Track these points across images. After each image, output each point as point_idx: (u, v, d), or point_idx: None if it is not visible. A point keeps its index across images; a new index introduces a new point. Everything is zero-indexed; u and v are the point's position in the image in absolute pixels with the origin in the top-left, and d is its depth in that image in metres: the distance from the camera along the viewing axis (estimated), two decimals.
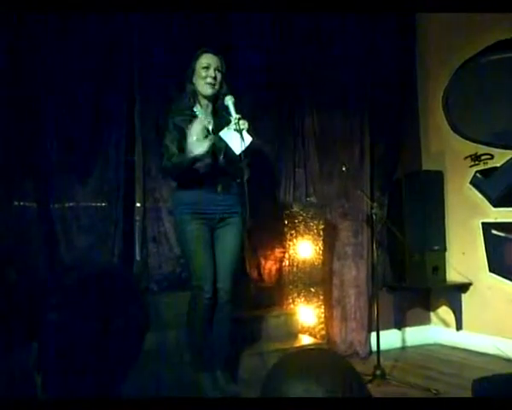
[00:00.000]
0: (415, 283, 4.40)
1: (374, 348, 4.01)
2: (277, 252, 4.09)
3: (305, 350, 1.08)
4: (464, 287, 4.37)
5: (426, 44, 4.74)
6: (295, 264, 3.99)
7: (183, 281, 3.66)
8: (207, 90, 2.89)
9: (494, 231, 4.16)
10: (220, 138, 2.79)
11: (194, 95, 2.93)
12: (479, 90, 4.13)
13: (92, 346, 1.07)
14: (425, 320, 4.69)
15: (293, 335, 3.82)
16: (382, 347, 3.69)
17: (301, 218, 3.97)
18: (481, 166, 4.24)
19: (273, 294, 4.03)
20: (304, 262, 3.97)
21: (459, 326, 4.41)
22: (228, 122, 2.78)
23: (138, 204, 3.67)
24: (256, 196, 2.93)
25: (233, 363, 3.12)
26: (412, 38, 4.76)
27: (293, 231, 3.99)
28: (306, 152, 4.26)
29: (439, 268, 4.40)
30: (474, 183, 4.30)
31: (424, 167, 4.73)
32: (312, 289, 3.95)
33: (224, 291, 2.93)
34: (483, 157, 4.21)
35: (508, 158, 4.02)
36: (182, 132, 2.80)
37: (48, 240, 3.34)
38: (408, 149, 4.70)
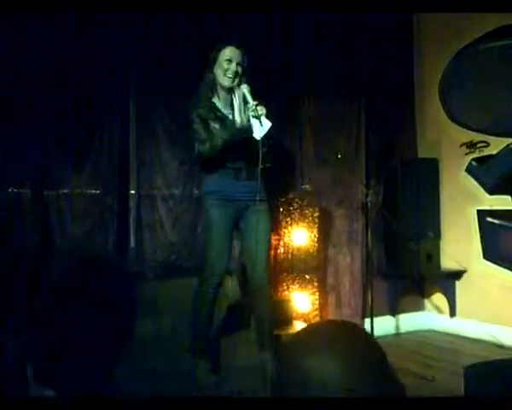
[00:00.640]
0: (409, 270, 4.41)
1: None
2: (272, 239, 4.08)
3: (320, 324, 1.07)
4: (458, 274, 4.39)
5: (422, 32, 4.71)
6: (290, 251, 4.00)
7: (178, 268, 3.68)
8: (227, 83, 2.93)
9: (489, 219, 4.17)
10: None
11: (213, 85, 2.97)
12: (476, 77, 4.10)
13: (83, 333, 1.06)
14: (419, 307, 4.72)
15: (288, 321, 3.85)
16: (376, 333, 3.72)
17: (296, 205, 3.97)
18: (477, 154, 4.24)
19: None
20: (299, 249, 3.98)
21: (453, 313, 4.44)
22: (246, 110, 2.85)
23: (133, 191, 3.65)
24: None
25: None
26: (408, 25, 4.74)
27: (288, 219, 3.99)
28: (301, 139, 4.24)
29: (433, 256, 4.41)
30: (470, 170, 4.28)
31: (420, 155, 4.72)
32: (307, 276, 3.96)
33: (259, 276, 2.99)
34: (479, 145, 4.21)
35: (503, 145, 4.01)
36: (205, 122, 2.87)
37: (41, 227, 3.33)
38: (404, 136, 4.69)
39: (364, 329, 0.95)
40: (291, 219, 3.98)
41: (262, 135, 2.77)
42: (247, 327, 3.45)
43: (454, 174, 4.39)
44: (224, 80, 2.93)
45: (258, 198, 2.90)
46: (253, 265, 2.99)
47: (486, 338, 4.04)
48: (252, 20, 3.96)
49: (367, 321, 4.13)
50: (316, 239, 3.98)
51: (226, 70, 2.91)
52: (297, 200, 3.98)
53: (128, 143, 3.65)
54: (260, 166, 2.81)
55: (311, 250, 3.97)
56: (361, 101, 4.42)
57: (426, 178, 4.44)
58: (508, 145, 3.97)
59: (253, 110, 2.78)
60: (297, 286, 3.97)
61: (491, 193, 4.12)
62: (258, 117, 2.76)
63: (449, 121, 4.40)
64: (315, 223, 3.97)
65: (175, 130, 3.69)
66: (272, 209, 3.10)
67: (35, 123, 3.36)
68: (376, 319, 3.78)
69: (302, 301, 3.96)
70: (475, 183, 4.24)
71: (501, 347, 3.87)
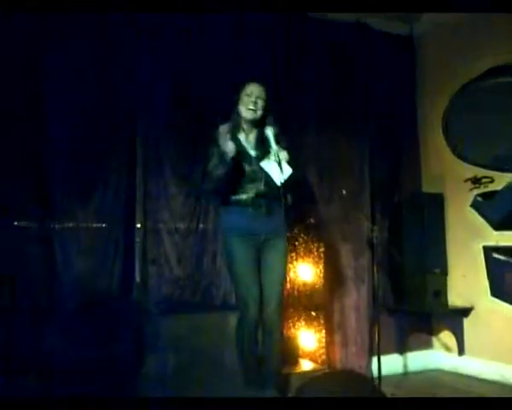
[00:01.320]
0: (416, 306, 4.35)
1: (375, 372, 3.94)
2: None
3: (330, 373, 1.05)
4: (466, 311, 4.33)
5: (425, 67, 4.79)
6: (296, 287, 3.96)
7: (183, 303, 3.64)
8: (248, 115, 3.01)
9: (495, 255, 4.14)
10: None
11: (238, 121, 3.05)
12: (478, 113, 4.16)
13: (92, 368, 1.05)
14: (427, 345, 4.63)
15: (294, 359, 3.78)
16: (384, 372, 3.64)
17: (301, 240, 3.95)
18: (482, 189, 4.24)
19: None
20: (304, 285, 3.94)
21: (461, 351, 4.35)
22: (269, 153, 2.90)
23: (139, 225, 3.66)
24: None
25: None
26: (411, 61, 4.83)
27: (293, 254, 3.97)
28: (306, 174, 4.26)
29: (441, 292, 4.36)
30: (475, 206, 4.30)
31: (424, 190, 4.73)
32: (313, 313, 3.91)
33: (272, 312, 2.98)
34: (483, 180, 4.22)
35: (508, 181, 4.03)
36: (223, 159, 2.88)
37: (47, 260, 3.32)
38: (408, 171, 4.70)
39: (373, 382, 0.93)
40: (296, 253, 3.96)
41: (282, 180, 2.83)
42: None
43: (459, 209, 4.39)
44: (246, 113, 3.01)
45: (277, 232, 2.99)
46: (266, 301, 2.99)
47: (496, 378, 3.96)
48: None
49: (374, 360, 4.06)
50: (321, 275, 3.94)
51: (247, 103, 3.00)
52: (302, 235, 3.96)
53: (135, 176, 3.68)
54: (282, 207, 2.87)
55: (316, 286, 3.93)
56: (365, 136, 4.46)
57: (431, 213, 4.43)
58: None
59: (274, 155, 2.84)
60: (303, 323, 3.92)
61: (496, 228, 4.13)
62: (279, 163, 2.81)
63: (453, 156, 4.45)
64: (320, 258, 3.95)
65: (182, 163, 3.71)
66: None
67: (41, 156, 3.39)
68: (383, 358, 3.71)
69: (308, 339, 3.90)
70: (481, 218, 4.25)
71: (511, 386, 3.79)
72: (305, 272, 3.94)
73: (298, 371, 3.65)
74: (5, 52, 3.28)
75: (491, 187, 4.16)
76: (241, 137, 3.06)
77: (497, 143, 4.07)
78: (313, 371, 3.63)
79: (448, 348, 4.51)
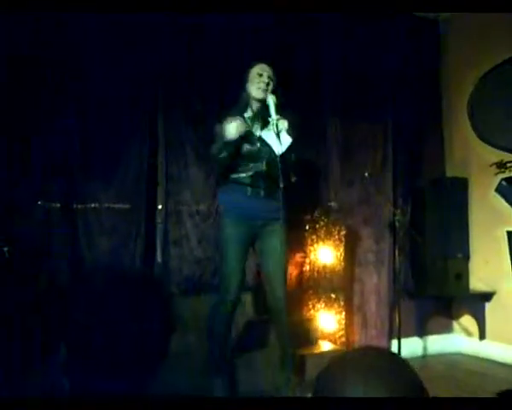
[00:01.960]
0: (437, 290, 4.33)
1: None
2: (298, 257, 4.06)
3: (362, 350, 1.05)
4: (488, 296, 4.29)
5: (450, 50, 4.69)
6: (316, 269, 3.97)
7: (203, 284, 3.68)
8: (260, 94, 2.94)
9: None
10: (262, 140, 2.84)
11: (247, 100, 3.01)
12: (505, 96, 4.06)
13: (114, 347, 1.07)
14: (447, 329, 4.63)
15: (313, 341, 3.81)
16: (403, 355, 3.64)
17: (322, 223, 3.94)
18: (507, 174, 4.15)
19: (293, 299, 4.01)
20: (324, 268, 3.94)
21: (482, 336, 4.33)
22: (269, 122, 2.80)
23: (160, 206, 3.69)
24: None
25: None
26: (436, 44, 4.74)
27: (313, 236, 3.97)
28: (329, 157, 4.24)
29: (462, 276, 4.32)
30: (500, 190, 4.20)
31: (448, 174, 4.67)
32: (333, 295, 3.92)
33: (277, 298, 2.94)
34: (509, 165, 4.12)
35: None
36: (227, 142, 2.83)
37: (70, 241, 3.38)
38: (431, 155, 4.64)
39: (402, 358, 0.93)
40: (317, 236, 3.95)
41: (281, 151, 2.73)
42: (265, 345, 3.42)
43: (483, 194, 4.31)
44: (257, 92, 2.95)
45: (276, 217, 2.82)
46: (270, 289, 2.98)
47: None
48: (283, 39, 4.01)
49: (394, 342, 4.06)
50: (342, 258, 3.94)
51: (258, 83, 2.95)
52: (323, 218, 3.95)
53: (156, 157, 3.70)
54: (281, 185, 2.72)
55: (336, 269, 3.93)
56: (388, 119, 4.40)
57: (455, 198, 4.37)
58: None
59: (273, 124, 2.74)
60: (323, 305, 3.93)
61: None
62: (277, 132, 2.73)
63: (478, 140, 4.34)
64: (341, 241, 3.93)
65: (202, 145, 3.72)
66: (293, 228, 3.02)
67: (65, 136, 3.43)
68: (403, 341, 3.71)
69: (328, 321, 3.91)
70: (505, 203, 4.17)
71: None
72: (326, 254, 3.94)
73: (317, 351, 3.68)
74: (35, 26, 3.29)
75: None
76: (248, 117, 3.01)
77: None
78: (332, 351, 3.66)
79: (469, 333, 4.49)
